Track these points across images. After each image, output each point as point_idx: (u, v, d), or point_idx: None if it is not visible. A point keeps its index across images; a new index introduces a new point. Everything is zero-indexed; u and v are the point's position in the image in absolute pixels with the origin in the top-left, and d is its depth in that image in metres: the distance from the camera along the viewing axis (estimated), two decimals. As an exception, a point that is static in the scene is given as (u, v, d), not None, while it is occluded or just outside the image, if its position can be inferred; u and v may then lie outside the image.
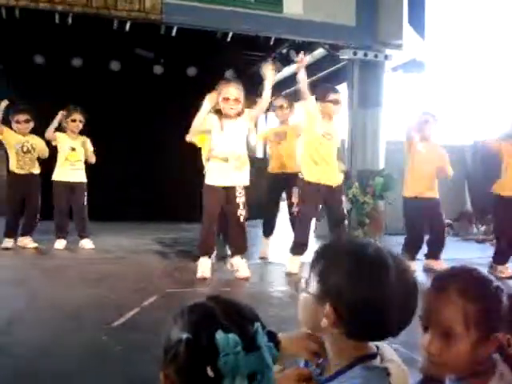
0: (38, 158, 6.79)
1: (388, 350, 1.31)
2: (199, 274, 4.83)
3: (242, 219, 4.97)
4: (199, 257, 4.98)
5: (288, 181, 6.10)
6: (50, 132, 6.61)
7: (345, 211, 6.03)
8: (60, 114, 6.64)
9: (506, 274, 5.31)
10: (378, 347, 1.28)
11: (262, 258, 6.22)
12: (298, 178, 5.53)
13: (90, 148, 6.84)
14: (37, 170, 6.75)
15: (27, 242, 6.63)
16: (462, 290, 1.24)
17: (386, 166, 8.52)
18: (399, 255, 1.28)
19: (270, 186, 6.44)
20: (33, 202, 6.67)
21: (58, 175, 6.72)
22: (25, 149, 6.63)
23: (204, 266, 4.88)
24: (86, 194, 6.81)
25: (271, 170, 6.40)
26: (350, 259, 1.22)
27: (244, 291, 4.51)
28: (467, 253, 7.29)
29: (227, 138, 4.88)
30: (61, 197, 6.70)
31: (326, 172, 5.44)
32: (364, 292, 1.17)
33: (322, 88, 5.73)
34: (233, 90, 4.89)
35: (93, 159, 6.85)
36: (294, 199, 6.05)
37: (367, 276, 1.18)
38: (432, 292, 1.29)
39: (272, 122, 6.81)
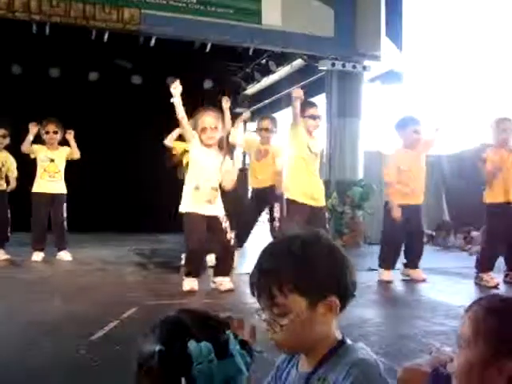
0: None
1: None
2: (187, 288, 4.78)
3: (232, 242, 4.98)
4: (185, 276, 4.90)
5: (268, 196, 6.23)
6: (25, 146, 6.57)
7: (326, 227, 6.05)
8: (31, 126, 6.57)
9: (492, 283, 5.24)
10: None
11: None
12: (284, 196, 5.61)
13: (74, 148, 6.78)
14: (3, 187, 6.67)
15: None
16: (482, 307, 1.26)
17: (364, 176, 8.59)
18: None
19: (253, 200, 6.50)
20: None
21: (37, 187, 6.65)
22: None
23: (191, 282, 4.84)
24: (65, 205, 6.74)
25: (253, 185, 6.49)
26: (306, 256, 1.25)
27: (225, 302, 4.49)
28: (445, 262, 7.35)
29: (203, 168, 4.86)
30: (40, 209, 6.63)
31: (311, 190, 5.50)
32: (338, 267, 1.27)
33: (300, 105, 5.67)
34: (210, 119, 4.84)
35: (76, 155, 6.79)
36: (276, 214, 6.21)
37: (331, 253, 1.27)
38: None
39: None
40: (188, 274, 4.88)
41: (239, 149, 6.43)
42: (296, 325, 1.23)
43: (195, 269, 4.91)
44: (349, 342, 1.28)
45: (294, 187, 5.56)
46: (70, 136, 6.75)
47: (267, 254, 1.28)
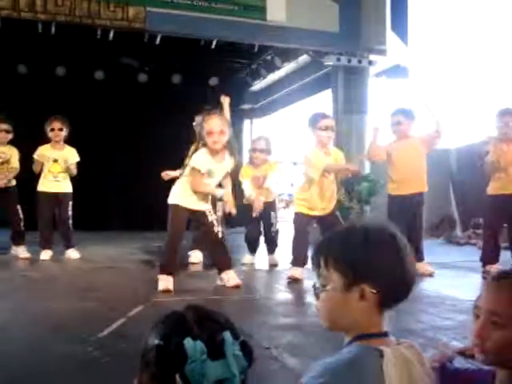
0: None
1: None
2: (162, 288, 4.64)
3: (219, 235, 4.88)
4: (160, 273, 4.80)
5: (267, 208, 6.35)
6: (36, 168, 6.63)
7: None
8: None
9: None
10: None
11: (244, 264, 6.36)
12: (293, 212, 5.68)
13: (74, 160, 6.75)
14: (12, 183, 6.68)
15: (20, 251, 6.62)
16: None
17: (371, 171, 8.56)
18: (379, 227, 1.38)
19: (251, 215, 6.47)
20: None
21: (42, 186, 6.68)
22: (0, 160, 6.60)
23: (166, 281, 4.71)
24: (70, 204, 6.75)
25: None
26: (355, 239, 1.32)
27: (232, 299, 4.50)
28: (452, 256, 7.34)
29: (209, 180, 4.80)
30: (45, 208, 6.66)
31: (321, 206, 5.44)
32: (384, 260, 1.29)
33: (312, 115, 5.56)
34: (216, 122, 4.70)
35: (73, 171, 6.74)
36: (274, 220, 6.47)
37: (379, 245, 1.31)
38: (488, 281, 1.36)
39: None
40: (163, 269, 4.77)
41: (246, 181, 6.38)
42: (331, 300, 1.31)
43: (171, 263, 4.82)
44: (374, 339, 1.28)
45: (302, 205, 5.50)
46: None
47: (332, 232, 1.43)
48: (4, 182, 6.53)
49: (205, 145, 4.72)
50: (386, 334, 1.31)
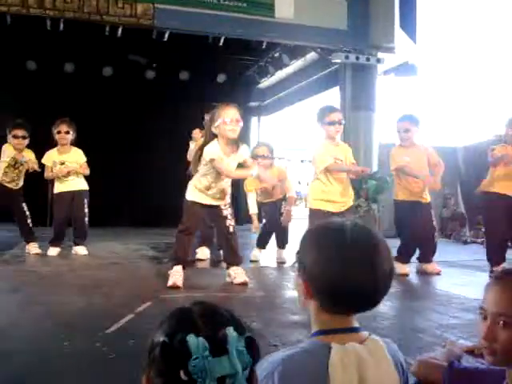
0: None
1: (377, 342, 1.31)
2: (170, 283, 4.66)
3: (231, 229, 4.90)
4: (173, 266, 4.83)
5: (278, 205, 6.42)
6: (47, 174, 6.66)
7: None
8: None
9: None
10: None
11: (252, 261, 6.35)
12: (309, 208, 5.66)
13: (82, 160, 6.76)
14: (19, 186, 6.70)
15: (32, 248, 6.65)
16: None
17: (379, 169, 8.55)
18: (362, 223, 1.36)
19: (269, 211, 6.54)
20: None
21: (57, 188, 6.71)
22: (16, 165, 6.61)
23: (176, 275, 4.73)
24: (86, 201, 6.76)
25: (259, 200, 6.49)
26: (313, 235, 1.35)
27: (240, 296, 4.50)
28: (459, 255, 7.32)
29: (220, 174, 4.75)
30: (61, 209, 6.68)
31: (335, 200, 5.42)
32: (321, 262, 1.26)
33: (320, 110, 5.56)
34: (233, 111, 4.64)
35: (85, 171, 6.75)
36: (283, 209, 6.39)
37: (324, 248, 1.28)
38: (492, 282, 1.37)
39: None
40: (174, 261, 4.80)
41: (251, 194, 6.39)
42: (298, 287, 1.35)
43: (182, 255, 4.84)
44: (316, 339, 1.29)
45: (315, 198, 5.51)
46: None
47: None
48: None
49: (214, 137, 4.69)
50: (352, 330, 1.29)
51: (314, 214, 5.46)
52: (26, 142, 6.64)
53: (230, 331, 0.95)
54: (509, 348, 1.29)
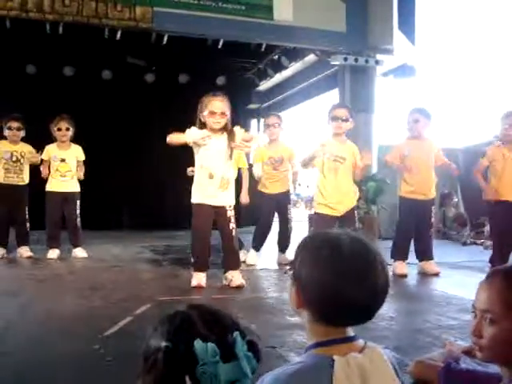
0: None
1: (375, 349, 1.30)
2: (194, 284, 4.76)
3: (233, 233, 4.92)
4: (194, 271, 4.89)
5: (281, 200, 6.38)
6: (44, 171, 6.67)
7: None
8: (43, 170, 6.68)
9: None
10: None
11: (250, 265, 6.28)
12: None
13: (81, 158, 6.79)
14: (23, 181, 6.71)
15: (23, 251, 6.64)
16: (504, 276, 1.36)
17: (378, 171, 8.55)
18: (359, 235, 1.32)
19: (265, 205, 6.43)
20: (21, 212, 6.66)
21: (50, 186, 6.71)
22: (14, 158, 6.62)
23: (200, 275, 4.83)
24: (78, 203, 6.79)
25: (266, 191, 6.42)
26: (309, 246, 1.31)
27: (237, 298, 4.50)
28: (459, 256, 7.31)
29: (212, 154, 4.79)
30: (53, 207, 6.69)
31: (336, 201, 5.43)
32: (315, 275, 1.24)
33: (330, 108, 5.63)
34: (218, 104, 4.79)
35: (80, 174, 6.77)
36: (290, 215, 6.45)
37: (319, 261, 1.25)
38: (482, 281, 1.42)
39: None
40: (195, 268, 4.87)
41: (257, 164, 6.42)
42: (290, 299, 1.33)
43: (203, 261, 4.88)
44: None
45: (318, 200, 5.53)
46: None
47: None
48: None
49: (203, 125, 4.80)
50: (350, 339, 1.28)
51: (315, 218, 5.49)
52: (21, 133, 6.65)
53: (238, 337, 0.95)
54: (494, 344, 1.31)
